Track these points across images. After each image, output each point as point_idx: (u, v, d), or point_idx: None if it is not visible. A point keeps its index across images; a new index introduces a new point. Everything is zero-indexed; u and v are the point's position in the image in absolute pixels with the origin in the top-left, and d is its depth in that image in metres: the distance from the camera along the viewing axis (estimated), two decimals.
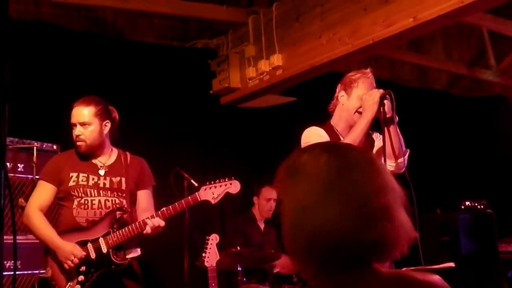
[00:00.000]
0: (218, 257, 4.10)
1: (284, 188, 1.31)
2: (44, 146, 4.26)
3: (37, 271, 3.93)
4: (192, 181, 4.48)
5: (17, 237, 3.90)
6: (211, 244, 4.12)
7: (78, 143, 3.50)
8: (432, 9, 4.16)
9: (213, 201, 3.53)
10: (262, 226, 5.61)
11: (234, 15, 5.85)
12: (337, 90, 3.32)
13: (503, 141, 7.24)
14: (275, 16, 5.50)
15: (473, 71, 7.32)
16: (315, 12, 5.13)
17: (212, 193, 3.52)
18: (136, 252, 3.54)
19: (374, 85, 3.26)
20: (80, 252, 3.33)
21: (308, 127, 3.30)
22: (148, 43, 5.76)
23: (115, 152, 3.65)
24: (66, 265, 3.32)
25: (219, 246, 4.19)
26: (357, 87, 3.21)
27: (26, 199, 4.00)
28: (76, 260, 3.32)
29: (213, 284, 4.07)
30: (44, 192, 3.51)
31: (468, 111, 7.40)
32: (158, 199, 3.83)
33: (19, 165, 4.09)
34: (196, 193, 3.53)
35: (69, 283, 3.32)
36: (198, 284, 4.58)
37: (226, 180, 3.55)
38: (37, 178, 4.07)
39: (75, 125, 3.50)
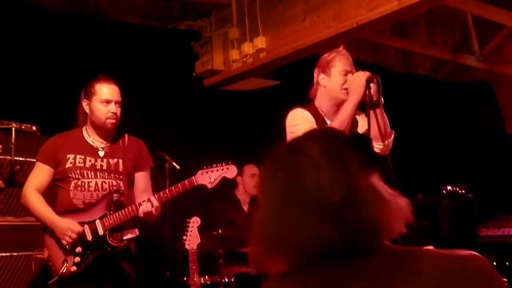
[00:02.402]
0: (199, 240, 4.08)
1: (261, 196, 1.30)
2: (23, 127, 4.19)
3: (16, 253, 3.92)
4: (174, 163, 4.46)
5: None
6: (192, 227, 4.09)
7: (111, 121, 3.51)
8: None
9: (209, 186, 3.53)
10: (246, 208, 5.61)
11: None
12: (316, 75, 3.33)
13: (486, 126, 7.29)
14: None
15: (457, 57, 7.33)
16: None
17: (208, 177, 3.52)
18: (134, 233, 3.52)
19: (350, 59, 3.27)
20: (77, 227, 3.33)
21: (293, 109, 3.28)
22: (130, 23, 5.67)
23: (112, 133, 3.63)
24: (64, 241, 3.32)
25: (201, 229, 4.17)
26: (334, 66, 3.22)
27: (4, 181, 3.98)
28: (73, 235, 3.31)
29: (193, 267, 4.05)
30: (40, 173, 3.51)
31: (451, 96, 7.42)
32: None
33: None
34: (193, 177, 3.52)
35: (65, 264, 3.32)
36: (179, 267, 4.57)
37: (223, 164, 3.55)
38: (15, 159, 4.03)
39: (109, 102, 3.49)
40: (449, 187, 6.01)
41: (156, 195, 3.47)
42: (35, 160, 3.60)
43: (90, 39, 5.25)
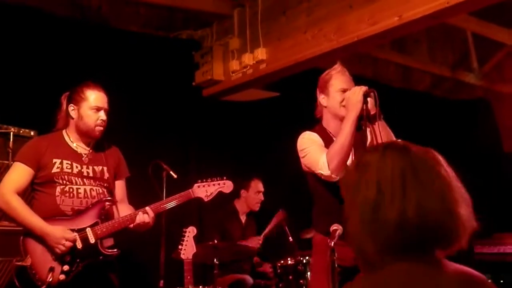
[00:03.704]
0: (194, 250, 4.07)
1: (350, 180, 1.45)
2: (21, 131, 4.20)
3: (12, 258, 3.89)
4: (171, 172, 4.46)
5: None
6: (188, 236, 4.08)
7: (100, 128, 3.47)
8: (417, 9, 4.16)
9: (205, 199, 3.58)
10: (243, 219, 5.60)
11: (220, 7, 5.80)
12: (317, 96, 3.37)
13: (483, 144, 7.29)
14: (260, 9, 5.46)
15: (456, 74, 7.35)
16: (301, 7, 5.11)
17: (205, 190, 3.57)
18: (110, 242, 3.47)
19: (348, 75, 3.30)
20: (71, 235, 3.24)
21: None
22: (132, 32, 5.69)
23: (94, 140, 3.59)
24: (57, 249, 3.21)
25: (196, 238, 4.16)
26: (332, 85, 3.26)
27: None
28: (68, 244, 3.22)
29: (188, 277, 4.03)
30: (21, 175, 3.35)
31: (450, 113, 7.44)
32: (137, 190, 3.80)
33: None
34: (190, 189, 3.54)
35: (51, 273, 3.19)
36: (174, 277, 4.55)
37: (219, 179, 3.61)
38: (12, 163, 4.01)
39: (100, 109, 3.47)
40: None
41: (152, 206, 3.45)
42: None
43: (92, 46, 5.26)
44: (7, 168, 4.01)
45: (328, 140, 3.23)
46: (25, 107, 4.65)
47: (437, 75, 7.44)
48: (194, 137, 6.01)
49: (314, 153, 3.18)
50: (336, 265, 2.77)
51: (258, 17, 5.46)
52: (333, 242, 2.67)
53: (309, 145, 3.22)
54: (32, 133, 4.26)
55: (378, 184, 1.38)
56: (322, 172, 3.09)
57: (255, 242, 5.33)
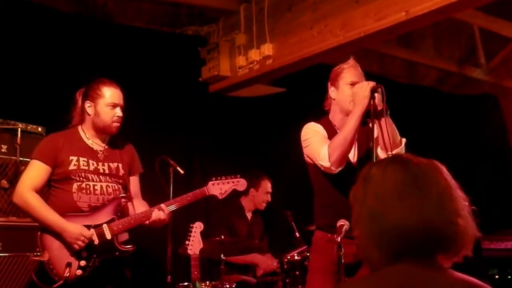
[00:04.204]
0: (201, 245, 4.07)
1: (356, 194, 1.51)
2: (28, 127, 4.20)
3: (19, 254, 3.93)
4: (178, 168, 4.46)
5: None
6: (194, 232, 4.09)
7: (117, 124, 3.51)
8: (424, 4, 4.15)
9: (220, 196, 3.61)
10: (249, 216, 5.60)
11: (226, 3, 5.80)
12: (328, 89, 3.38)
13: (490, 139, 7.27)
14: (267, 5, 5.46)
15: (463, 69, 7.32)
16: (307, 3, 5.10)
17: (220, 188, 3.60)
18: (126, 237, 3.51)
19: (360, 70, 3.31)
20: (88, 233, 3.30)
21: (299, 118, 3.35)
22: (137, 27, 5.69)
23: (111, 136, 3.63)
24: (76, 246, 3.27)
25: (203, 234, 4.16)
26: (342, 78, 3.27)
27: (9, 181, 3.97)
28: (86, 240, 3.28)
29: (195, 272, 4.04)
30: (38, 173, 3.39)
31: (457, 108, 7.41)
32: (144, 186, 3.81)
33: (2, 146, 4.03)
34: (205, 187, 3.58)
35: (68, 268, 3.24)
36: (181, 272, 4.56)
37: (234, 177, 3.64)
38: (20, 160, 4.04)
39: (116, 105, 3.50)
40: None
41: (166, 203, 3.49)
42: None
43: (98, 42, 5.27)
44: (14, 164, 4.04)
45: (332, 133, 3.23)
46: (32, 103, 4.67)
47: (444, 70, 7.40)
48: (201, 133, 6.01)
49: (316, 144, 3.18)
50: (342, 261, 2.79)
51: (265, 12, 5.45)
52: (339, 238, 2.68)
53: (312, 136, 3.24)
54: (39, 129, 4.28)
55: (377, 195, 1.45)
56: (322, 163, 3.09)
57: (271, 261, 5.28)
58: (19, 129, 4.11)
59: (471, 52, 7.28)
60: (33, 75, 4.81)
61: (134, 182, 3.67)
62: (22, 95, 4.68)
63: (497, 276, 5.52)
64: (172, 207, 3.53)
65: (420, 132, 6.88)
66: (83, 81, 4.29)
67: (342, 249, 2.65)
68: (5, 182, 3.97)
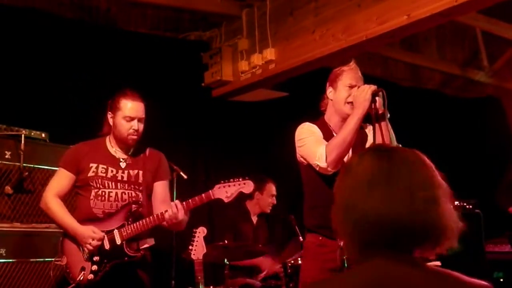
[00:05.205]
0: (205, 250, 4.06)
1: (337, 186, 1.49)
2: (32, 134, 4.22)
3: (22, 260, 3.94)
4: (181, 173, 4.47)
5: (3, 225, 3.90)
6: (198, 236, 4.07)
7: (133, 137, 3.55)
8: (426, 8, 4.15)
9: (226, 200, 3.55)
10: (255, 220, 5.60)
11: (228, 8, 5.81)
12: (326, 89, 3.35)
13: (493, 142, 7.25)
14: (269, 10, 5.47)
15: (466, 72, 7.32)
16: (309, 7, 5.11)
17: (225, 191, 3.53)
18: (151, 242, 3.55)
19: (359, 73, 3.28)
20: (99, 233, 3.38)
21: (302, 123, 3.32)
22: (141, 33, 5.71)
23: (134, 146, 3.66)
24: (86, 248, 3.37)
25: (207, 239, 4.16)
26: (341, 79, 3.24)
27: (12, 187, 3.99)
28: (95, 242, 3.36)
29: (199, 277, 4.03)
30: (62, 179, 3.55)
31: (460, 111, 7.40)
32: None
33: (6, 152, 4.04)
34: (210, 191, 3.53)
35: (82, 272, 3.34)
36: (185, 277, 4.55)
37: (240, 179, 3.56)
38: (24, 166, 4.05)
39: (132, 119, 3.53)
40: (456, 202, 5.98)
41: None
42: (43, 167, 3.62)
43: (101, 48, 5.29)
44: (18, 170, 4.05)
45: (327, 134, 3.22)
46: (36, 110, 4.68)
47: (447, 73, 7.41)
48: (204, 138, 6.02)
49: (312, 144, 3.16)
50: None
51: (267, 17, 5.47)
52: (342, 242, 2.67)
53: (307, 136, 3.21)
54: (43, 135, 4.29)
55: (351, 185, 1.44)
56: (319, 163, 3.07)
57: (273, 263, 5.27)
58: (23, 135, 4.12)
59: (474, 55, 7.29)
60: (37, 82, 4.83)
61: (160, 188, 3.68)
62: (26, 101, 4.70)
63: (502, 280, 5.50)
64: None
65: (424, 135, 6.88)
66: (87, 87, 4.30)
67: (343, 252, 2.64)
68: (9, 188, 3.98)
